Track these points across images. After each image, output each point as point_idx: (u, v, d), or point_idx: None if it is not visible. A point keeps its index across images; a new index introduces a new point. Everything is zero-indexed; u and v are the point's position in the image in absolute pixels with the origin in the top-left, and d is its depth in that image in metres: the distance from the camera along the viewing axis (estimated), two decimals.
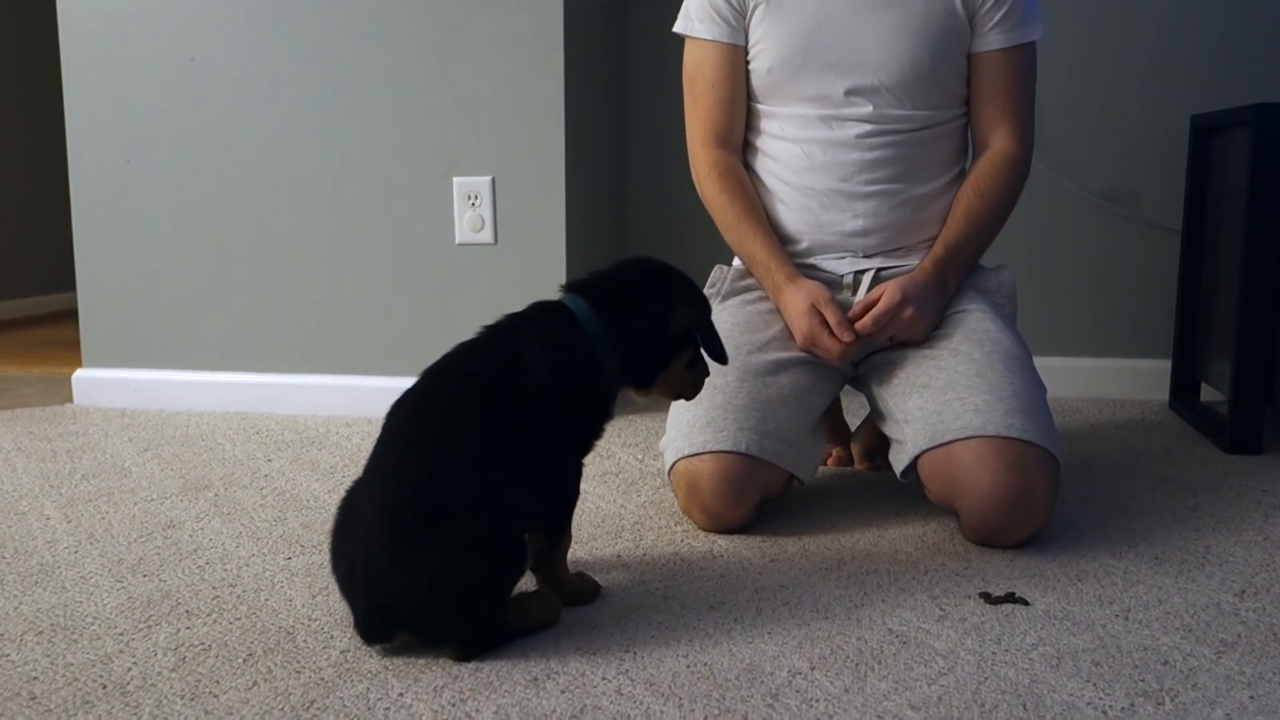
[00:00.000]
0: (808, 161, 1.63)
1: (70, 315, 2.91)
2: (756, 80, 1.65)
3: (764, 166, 1.68)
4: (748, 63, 1.65)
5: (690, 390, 1.32)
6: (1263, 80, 2.29)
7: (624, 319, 1.22)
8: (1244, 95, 2.18)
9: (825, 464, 1.87)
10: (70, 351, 2.69)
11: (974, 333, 1.54)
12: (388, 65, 2.22)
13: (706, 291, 1.74)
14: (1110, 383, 2.44)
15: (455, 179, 2.22)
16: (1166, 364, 2.34)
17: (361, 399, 2.29)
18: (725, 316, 1.64)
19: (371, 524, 1.11)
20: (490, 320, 1.31)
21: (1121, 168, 2.40)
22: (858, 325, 1.54)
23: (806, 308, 1.55)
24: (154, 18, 2.31)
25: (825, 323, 1.54)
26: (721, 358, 1.27)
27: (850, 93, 1.59)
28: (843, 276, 1.64)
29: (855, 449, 1.87)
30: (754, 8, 1.62)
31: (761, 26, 1.62)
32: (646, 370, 1.25)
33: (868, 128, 1.60)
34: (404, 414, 1.20)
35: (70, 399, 2.48)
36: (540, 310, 1.26)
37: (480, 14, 2.17)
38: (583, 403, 1.21)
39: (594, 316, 1.21)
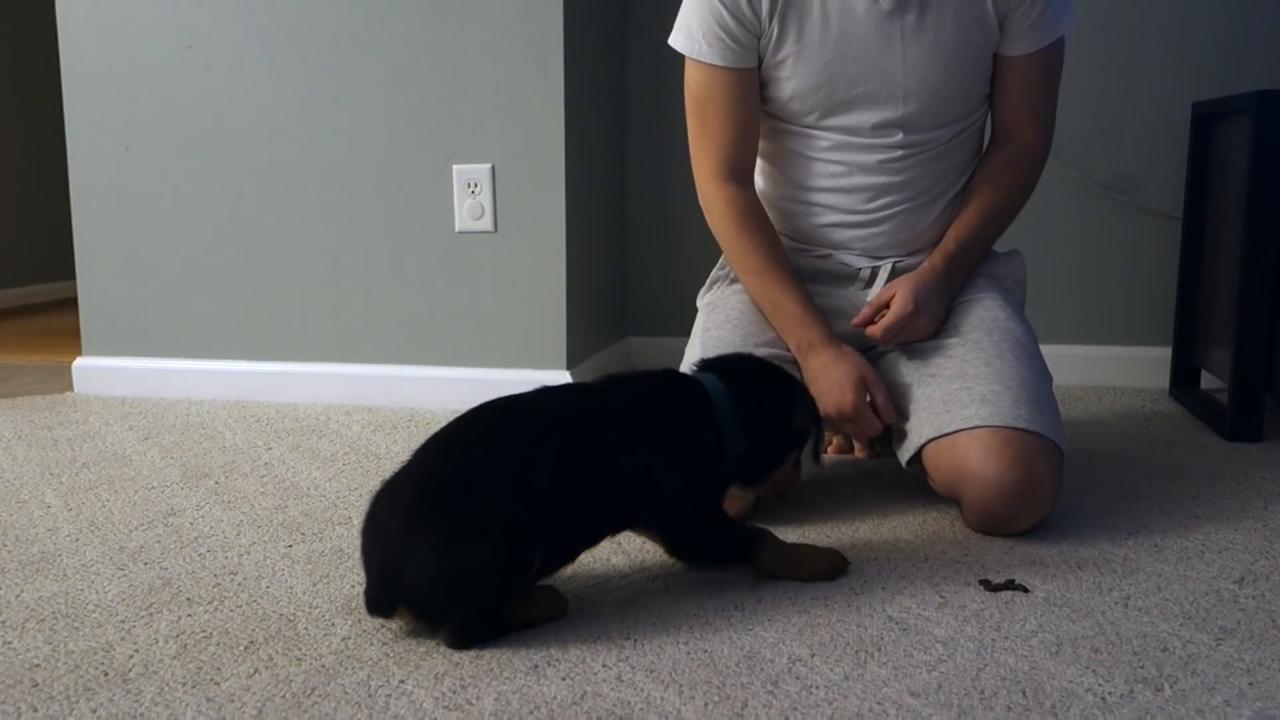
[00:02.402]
0: (832, 182, 1.58)
1: (70, 303, 2.91)
2: (775, 106, 1.57)
3: (781, 176, 1.63)
4: (762, 84, 1.56)
5: (786, 486, 1.35)
6: (1264, 67, 2.28)
7: (758, 406, 1.26)
8: (1245, 82, 2.18)
9: (826, 452, 1.87)
10: (70, 340, 2.69)
11: (983, 321, 1.54)
12: (387, 52, 2.22)
13: (716, 273, 1.72)
14: (1110, 370, 2.44)
15: (455, 167, 2.22)
16: (1167, 351, 2.34)
17: (361, 387, 2.29)
18: (732, 303, 1.63)
19: (401, 493, 1.13)
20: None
21: (1122, 155, 2.40)
22: (868, 331, 1.53)
23: (856, 380, 1.48)
24: (153, 6, 2.30)
25: (869, 402, 1.49)
26: (817, 456, 1.34)
27: (881, 125, 1.53)
28: (859, 270, 1.63)
29: None
30: (771, 32, 1.51)
31: (780, 53, 1.52)
32: (763, 464, 1.29)
33: (898, 154, 1.55)
34: (502, 407, 1.20)
35: (70, 387, 2.48)
36: (673, 379, 1.29)
37: (480, 1, 2.16)
38: (704, 474, 1.24)
39: (727, 397, 1.25)
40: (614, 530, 1.25)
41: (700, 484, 1.23)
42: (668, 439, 1.20)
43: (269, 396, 2.34)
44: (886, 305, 1.53)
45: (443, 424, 1.20)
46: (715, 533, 1.26)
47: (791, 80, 1.54)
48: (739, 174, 1.60)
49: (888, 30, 1.49)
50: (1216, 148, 2.16)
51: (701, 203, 1.63)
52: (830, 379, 1.50)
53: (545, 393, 1.23)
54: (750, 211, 1.59)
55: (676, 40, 1.58)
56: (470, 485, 1.10)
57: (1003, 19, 1.51)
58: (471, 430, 1.17)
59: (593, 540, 1.23)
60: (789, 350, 1.56)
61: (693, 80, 1.58)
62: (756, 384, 1.29)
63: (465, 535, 1.07)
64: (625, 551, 1.40)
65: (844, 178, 1.58)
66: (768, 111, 1.60)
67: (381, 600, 1.12)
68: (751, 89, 1.56)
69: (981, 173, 1.61)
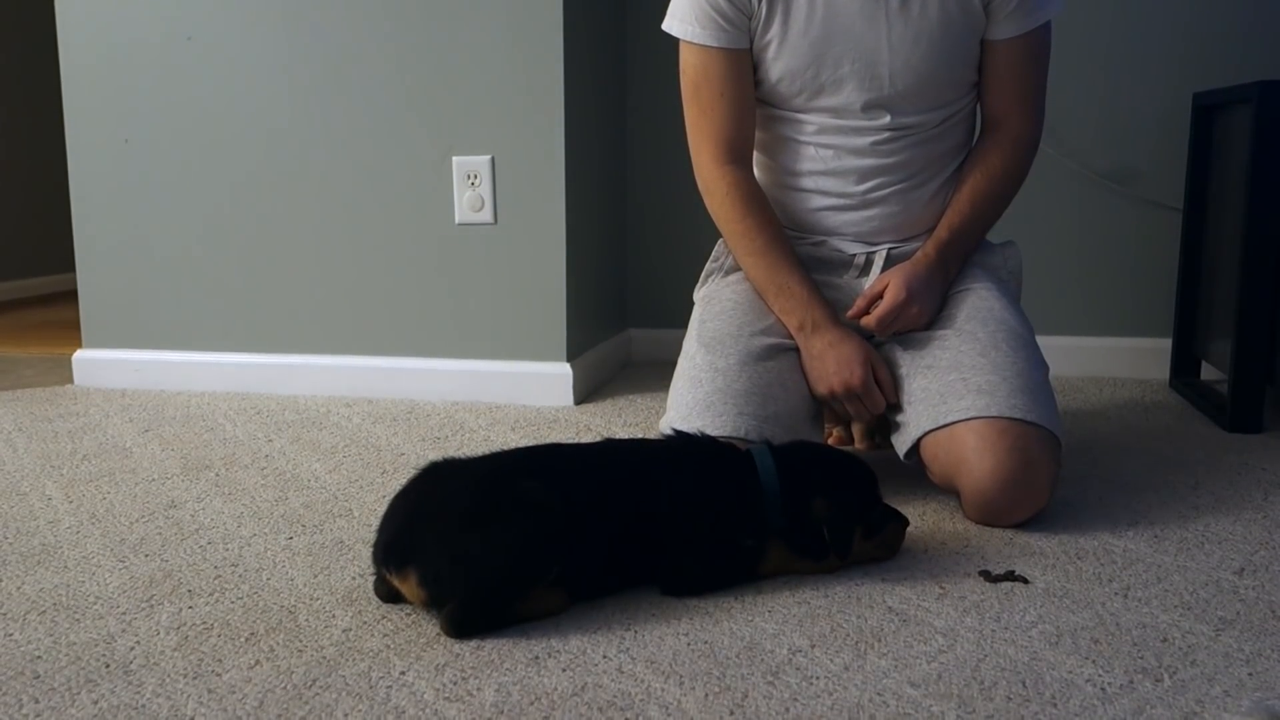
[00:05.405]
0: (822, 165, 1.59)
1: (70, 296, 2.91)
2: (764, 89, 1.59)
3: (774, 162, 1.64)
4: (754, 67, 1.57)
5: (886, 551, 1.32)
6: (1265, 58, 2.28)
7: (804, 488, 1.25)
8: (1246, 73, 2.17)
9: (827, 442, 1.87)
10: (70, 332, 2.69)
11: (978, 311, 1.54)
12: (387, 43, 2.21)
13: (710, 266, 1.72)
14: (1110, 361, 2.44)
15: (454, 158, 2.21)
16: (1167, 343, 2.34)
17: (362, 379, 2.29)
18: (726, 295, 1.63)
19: (453, 474, 1.20)
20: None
21: (1123, 145, 2.40)
22: (863, 322, 1.54)
23: (864, 358, 1.51)
24: None
25: (875, 380, 1.52)
26: (839, 549, 1.25)
27: (868, 106, 1.54)
28: (854, 256, 1.63)
29: (855, 429, 1.87)
30: (760, 13, 1.53)
31: (768, 35, 1.53)
32: (813, 543, 1.26)
33: (885, 135, 1.56)
34: (570, 446, 1.32)
35: (70, 380, 2.48)
36: (726, 447, 1.32)
37: None
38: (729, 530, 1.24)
39: (774, 473, 1.25)
40: (635, 567, 1.23)
41: (720, 535, 1.23)
42: (700, 486, 1.23)
43: (269, 388, 2.34)
44: (880, 296, 1.53)
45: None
46: (708, 565, 1.24)
47: (779, 61, 1.55)
48: (738, 156, 1.60)
49: (873, 11, 1.51)
50: (1217, 139, 2.16)
51: (701, 188, 1.63)
52: (837, 356, 1.52)
53: (609, 441, 1.37)
54: (753, 194, 1.60)
55: (670, 25, 1.59)
56: (513, 485, 1.16)
57: (987, 3, 1.52)
58: (534, 449, 1.30)
59: (613, 574, 1.22)
60: (788, 336, 1.57)
61: (688, 64, 1.59)
62: (807, 466, 1.28)
63: (493, 521, 1.12)
64: None
65: (833, 161, 1.58)
66: (758, 97, 1.61)
67: (393, 551, 1.15)
68: (746, 70, 1.57)
69: (972, 161, 1.61)
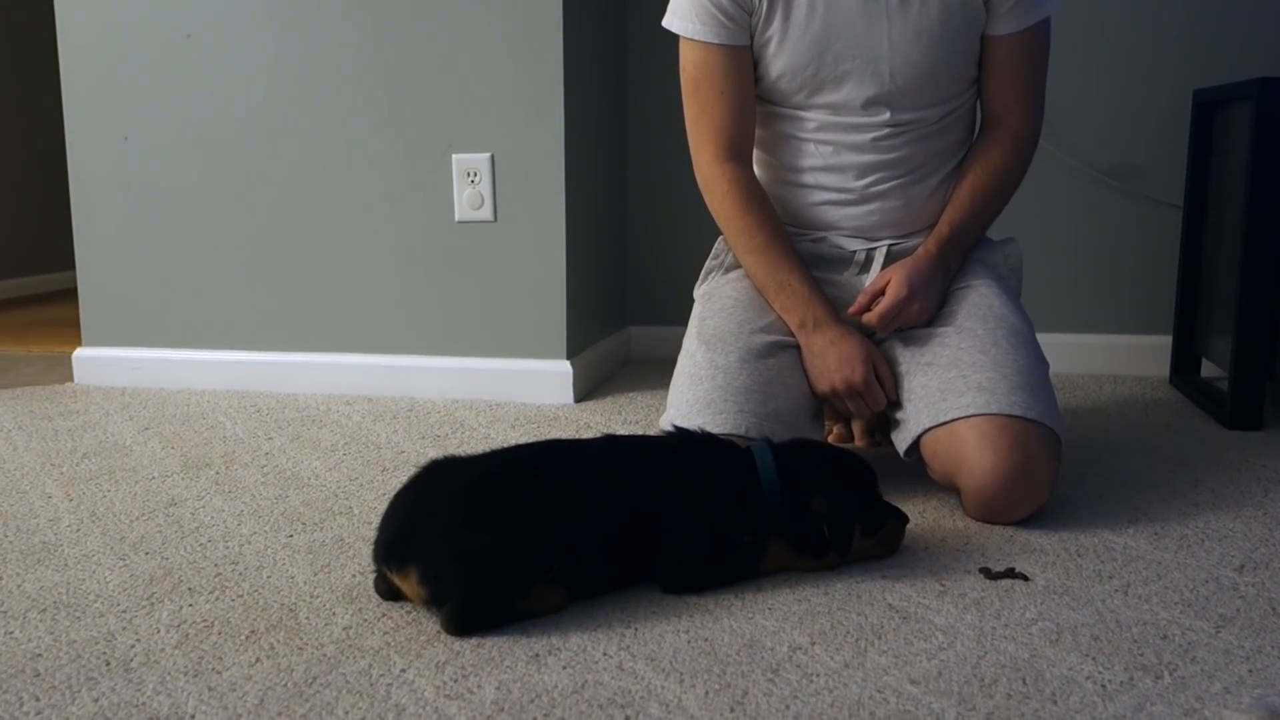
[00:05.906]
0: (822, 162, 1.59)
1: (70, 294, 2.91)
2: (764, 86, 1.59)
3: (774, 159, 1.64)
4: (755, 64, 1.57)
5: (886, 549, 1.32)
6: (1266, 54, 2.28)
7: (803, 484, 1.25)
8: (1247, 69, 2.17)
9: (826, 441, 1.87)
10: (70, 330, 2.69)
11: (978, 309, 1.54)
12: (387, 41, 2.21)
13: (710, 263, 1.72)
14: (1111, 358, 2.44)
15: (454, 156, 2.21)
16: (1167, 340, 2.34)
17: (361, 377, 2.29)
18: (727, 292, 1.63)
19: (454, 472, 1.20)
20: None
21: (1123, 142, 2.39)
22: (864, 319, 1.54)
23: (865, 355, 1.51)
24: None
25: (876, 377, 1.52)
26: (839, 546, 1.24)
27: (868, 103, 1.54)
28: (854, 253, 1.63)
29: (856, 426, 1.87)
30: (760, 10, 1.52)
31: (768, 32, 1.53)
32: (813, 540, 1.25)
33: (885, 131, 1.56)
34: (567, 442, 1.35)
35: (70, 378, 2.48)
36: (726, 444, 1.32)
37: None
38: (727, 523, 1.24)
39: (774, 469, 1.25)
40: (635, 565, 1.23)
41: (720, 533, 1.23)
42: (700, 483, 1.23)
43: (269, 386, 2.34)
44: (881, 293, 1.53)
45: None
46: (711, 563, 1.24)
47: (779, 58, 1.54)
48: (738, 154, 1.60)
49: (873, 7, 1.50)
50: (1218, 135, 2.16)
51: (702, 185, 1.63)
52: (838, 354, 1.52)
53: (610, 437, 1.35)
54: (753, 191, 1.60)
55: (670, 22, 1.59)
56: (513, 482, 1.16)
57: None
58: (535, 446, 1.28)
59: (613, 571, 1.22)
60: (788, 334, 1.56)
61: (688, 61, 1.59)
62: (807, 464, 1.28)
63: (494, 519, 1.12)
64: None
65: (833, 157, 1.58)
66: (758, 94, 1.61)
67: (394, 549, 1.15)
68: (746, 67, 1.57)
69: (972, 158, 1.61)
